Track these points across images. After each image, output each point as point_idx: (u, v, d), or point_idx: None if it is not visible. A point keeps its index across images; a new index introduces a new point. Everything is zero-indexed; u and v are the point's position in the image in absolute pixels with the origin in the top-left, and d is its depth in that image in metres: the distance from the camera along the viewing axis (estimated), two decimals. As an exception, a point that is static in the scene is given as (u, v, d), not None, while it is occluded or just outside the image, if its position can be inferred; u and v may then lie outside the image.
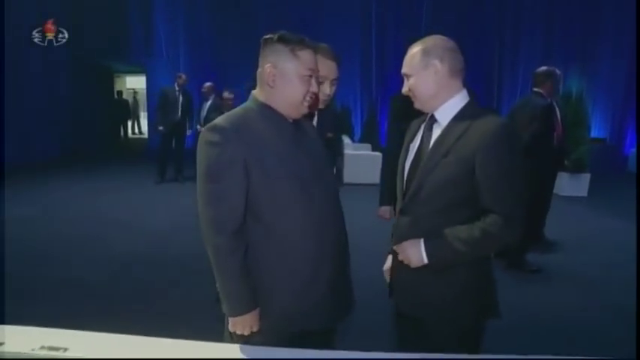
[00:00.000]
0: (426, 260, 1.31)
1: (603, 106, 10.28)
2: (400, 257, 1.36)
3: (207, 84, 7.14)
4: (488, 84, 10.23)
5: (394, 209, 1.84)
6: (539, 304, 3.27)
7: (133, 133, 15.20)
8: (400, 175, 1.48)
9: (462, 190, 1.29)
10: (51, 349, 1.00)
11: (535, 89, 3.75)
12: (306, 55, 1.29)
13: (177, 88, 7.08)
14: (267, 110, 1.33)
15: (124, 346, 1.25)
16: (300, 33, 1.31)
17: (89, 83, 10.24)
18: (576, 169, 6.46)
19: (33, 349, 0.97)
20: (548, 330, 2.86)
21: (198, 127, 7.05)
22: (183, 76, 7.16)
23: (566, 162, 4.19)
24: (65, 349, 1.03)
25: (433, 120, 1.40)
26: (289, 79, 1.29)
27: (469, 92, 1.41)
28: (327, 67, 1.64)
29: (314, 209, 1.32)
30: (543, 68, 3.76)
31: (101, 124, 10.94)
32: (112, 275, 3.61)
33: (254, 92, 1.37)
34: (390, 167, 2.28)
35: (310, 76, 1.31)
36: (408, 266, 1.36)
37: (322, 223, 1.34)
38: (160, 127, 7.24)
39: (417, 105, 1.43)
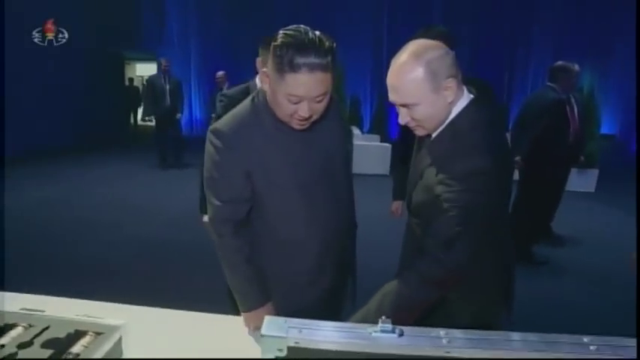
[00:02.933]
0: None
1: (613, 102, 10.20)
2: None
3: (220, 73, 7.04)
4: (499, 78, 10.17)
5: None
6: (546, 296, 3.32)
7: (143, 120, 15.29)
8: None
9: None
10: (90, 316, 1.06)
11: (548, 83, 3.75)
12: (292, 79, 1.12)
13: (162, 75, 6.94)
14: (270, 108, 1.26)
15: (161, 318, 1.32)
16: (313, 23, 1.18)
17: (100, 70, 10.28)
18: (586, 164, 6.45)
19: (76, 315, 1.05)
20: (553, 322, 2.92)
21: (213, 116, 7.04)
22: (164, 62, 6.99)
23: (582, 157, 4.11)
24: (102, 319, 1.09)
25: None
26: (277, 95, 1.18)
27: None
28: None
29: (316, 209, 1.34)
30: (559, 63, 3.74)
31: (112, 111, 10.99)
32: (127, 259, 3.71)
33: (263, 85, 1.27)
34: (399, 160, 2.28)
35: (298, 101, 1.16)
36: None
37: (325, 223, 1.36)
38: (147, 117, 7.15)
39: (423, 133, 1.22)
